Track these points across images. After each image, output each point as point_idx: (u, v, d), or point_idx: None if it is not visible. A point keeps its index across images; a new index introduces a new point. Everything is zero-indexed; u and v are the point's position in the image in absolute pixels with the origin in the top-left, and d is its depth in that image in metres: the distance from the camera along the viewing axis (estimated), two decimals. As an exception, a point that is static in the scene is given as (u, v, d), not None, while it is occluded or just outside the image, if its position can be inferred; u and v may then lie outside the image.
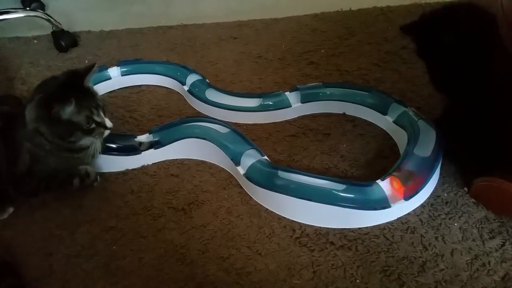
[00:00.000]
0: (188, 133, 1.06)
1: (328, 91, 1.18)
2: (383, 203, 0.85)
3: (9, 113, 0.94)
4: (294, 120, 1.17)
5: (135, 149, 1.04)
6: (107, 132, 0.95)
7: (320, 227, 0.88)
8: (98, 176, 0.99)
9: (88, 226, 0.92)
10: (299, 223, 0.89)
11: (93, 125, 0.91)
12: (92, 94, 0.93)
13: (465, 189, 0.92)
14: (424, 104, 1.12)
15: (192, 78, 1.28)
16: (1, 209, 0.95)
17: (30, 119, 0.88)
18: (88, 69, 0.93)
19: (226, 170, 1.03)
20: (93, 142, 0.94)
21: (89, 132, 0.91)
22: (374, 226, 0.86)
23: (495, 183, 0.84)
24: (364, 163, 1.01)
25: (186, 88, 1.27)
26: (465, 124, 0.86)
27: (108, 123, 0.94)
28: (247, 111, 1.17)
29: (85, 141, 0.92)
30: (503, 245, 0.81)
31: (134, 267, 0.83)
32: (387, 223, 0.87)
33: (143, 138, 1.08)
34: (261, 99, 1.19)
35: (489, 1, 1.61)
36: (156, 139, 1.07)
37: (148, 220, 0.93)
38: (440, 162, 0.93)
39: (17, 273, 0.83)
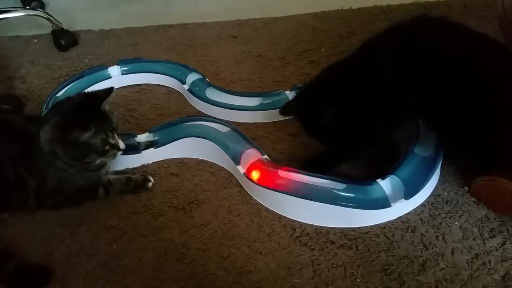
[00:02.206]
0: (188, 132, 1.06)
1: (328, 90, 1.18)
2: (383, 202, 0.85)
3: (24, 131, 0.94)
4: (295, 119, 1.16)
5: (135, 148, 1.04)
6: (119, 153, 0.95)
7: (320, 226, 0.87)
8: (149, 177, 1.00)
9: (88, 225, 0.92)
10: (300, 222, 0.89)
11: (107, 147, 0.92)
12: (108, 117, 0.93)
13: (466, 188, 0.92)
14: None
15: (192, 77, 1.28)
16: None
17: (46, 140, 0.88)
18: (107, 94, 0.93)
19: (226, 169, 1.03)
20: (106, 162, 0.95)
21: (103, 154, 0.92)
22: (374, 225, 0.86)
23: (496, 182, 0.84)
24: (365, 162, 1.01)
25: (186, 87, 1.27)
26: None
27: (122, 145, 0.95)
28: (247, 110, 1.17)
29: (99, 161, 0.93)
30: (503, 244, 0.81)
31: (134, 266, 0.83)
32: (388, 222, 0.87)
33: (143, 137, 1.08)
34: (261, 98, 1.19)
35: (489, 0, 1.61)
36: (156, 138, 1.07)
37: (148, 219, 0.93)
38: (441, 161, 0.93)
39: (18, 257, 0.84)
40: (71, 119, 0.88)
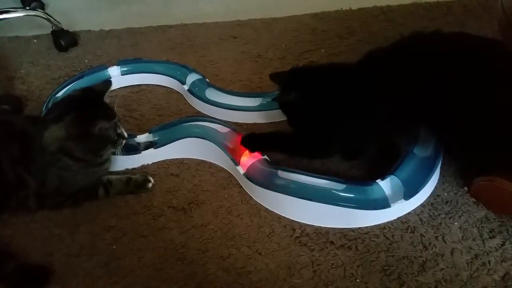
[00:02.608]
0: (188, 133, 1.06)
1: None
2: (383, 203, 0.85)
3: (24, 132, 0.94)
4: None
5: (135, 149, 1.04)
6: (124, 142, 0.97)
7: (320, 226, 0.88)
8: (149, 177, 1.00)
9: (88, 226, 0.92)
10: (299, 222, 0.89)
11: (116, 137, 0.93)
12: (112, 108, 0.95)
13: (465, 188, 0.92)
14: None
15: (192, 78, 1.28)
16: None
17: (53, 139, 0.88)
18: (106, 86, 0.97)
19: (226, 170, 1.03)
20: (110, 157, 0.98)
21: (114, 144, 0.94)
22: (374, 225, 0.86)
23: (495, 183, 0.84)
24: (364, 163, 1.01)
25: (186, 87, 1.27)
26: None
27: (125, 133, 0.97)
28: (247, 110, 1.17)
29: (108, 153, 0.95)
30: (503, 244, 0.81)
31: (134, 267, 0.83)
32: (387, 222, 0.87)
33: (143, 137, 1.08)
34: (261, 99, 1.19)
35: (489, 1, 1.61)
36: (156, 138, 1.07)
37: (148, 219, 0.93)
38: (440, 162, 0.93)
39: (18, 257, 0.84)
40: (90, 113, 0.89)
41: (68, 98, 0.97)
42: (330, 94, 0.89)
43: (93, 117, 0.88)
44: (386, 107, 0.86)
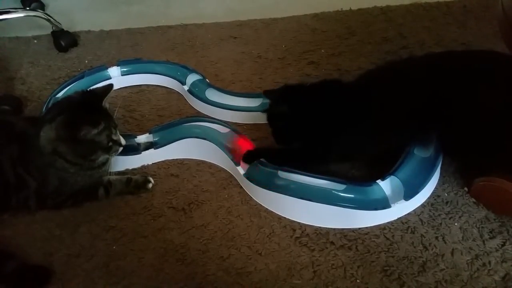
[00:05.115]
0: (188, 133, 1.06)
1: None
2: (383, 203, 0.85)
3: (24, 133, 0.94)
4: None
5: (135, 149, 1.04)
6: (120, 149, 0.96)
7: (320, 227, 0.88)
8: (150, 178, 1.00)
9: (88, 226, 0.92)
10: (299, 223, 0.89)
11: (110, 143, 0.92)
12: (109, 114, 0.95)
13: (466, 189, 0.92)
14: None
15: (192, 78, 1.28)
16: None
17: (48, 140, 0.88)
18: (106, 91, 0.95)
19: (226, 170, 1.03)
20: (109, 159, 0.97)
21: (107, 150, 0.93)
22: (374, 226, 0.86)
23: (496, 183, 0.84)
24: (365, 163, 1.01)
25: (186, 88, 1.27)
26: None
27: (123, 141, 0.96)
28: (247, 111, 1.17)
29: (103, 158, 0.94)
30: (503, 245, 0.81)
31: (134, 267, 0.83)
32: (387, 223, 0.87)
33: (143, 138, 1.08)
34: (261, 99, 1.19)
35: (489, 1, 1.61)
36: (156, 139, 1.07)
37: (148, 220, 0.93)
38: (440, 162, 0.93)
39: (18, 257, 0.84)
40: (78, 117, 0.89)
41: (65, 99, 0.97)
42: (323, 107, 0.91)
43: (79, 121, 0.87)
44: (388, 116, 0.88)
